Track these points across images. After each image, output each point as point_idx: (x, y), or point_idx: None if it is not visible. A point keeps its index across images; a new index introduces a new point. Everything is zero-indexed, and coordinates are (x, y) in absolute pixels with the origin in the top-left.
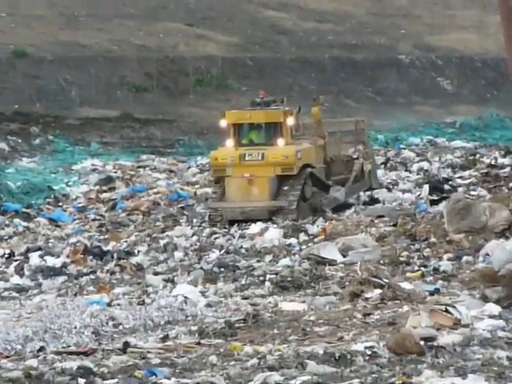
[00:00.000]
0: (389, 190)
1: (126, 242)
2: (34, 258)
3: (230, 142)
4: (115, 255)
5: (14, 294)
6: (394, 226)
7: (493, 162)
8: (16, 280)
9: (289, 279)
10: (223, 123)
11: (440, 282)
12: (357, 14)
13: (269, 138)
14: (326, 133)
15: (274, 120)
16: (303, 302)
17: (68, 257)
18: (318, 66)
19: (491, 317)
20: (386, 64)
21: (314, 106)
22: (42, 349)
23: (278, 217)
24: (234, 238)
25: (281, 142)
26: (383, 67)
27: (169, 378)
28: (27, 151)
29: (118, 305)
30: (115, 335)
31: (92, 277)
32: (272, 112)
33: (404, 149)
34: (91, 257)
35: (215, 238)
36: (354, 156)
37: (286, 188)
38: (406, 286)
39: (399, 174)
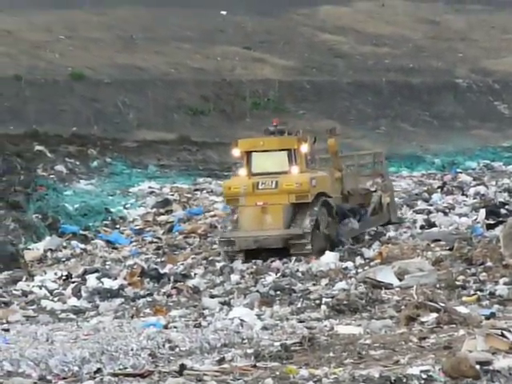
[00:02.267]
0: (445, 214)
1: (182, 264)
2: (91, 280)
3: (243, 171)
4: (172, 278)
5: (72, 316)
6: (451, 250)
7: None
8: (73, 302)
9: (345, 303)
10: (236, 152)
11: (496, 306)
12: (414, 38)
13: (282, 165)
14: (343, 165)
15: (288, 147)
16: (359, 325)
17: (125, 279)
18: (374, 90)
19: None
20: (443, 88)
21: (330, 137)
22: (98, 370)
23: (293, 248)
24: (290, 261)
25: (295, 169)
26: (440, 91)
27: None
28: (85, 173)
29: (175, 327)
30: (172, 357)
31: (149, 299)
32: (285, 139)
33: (461, 173)
34: (148, 279)
35: (271, 261)
36: (372, 189)
37: (300, 216)
38: (461, 309)
39: (456, 198)
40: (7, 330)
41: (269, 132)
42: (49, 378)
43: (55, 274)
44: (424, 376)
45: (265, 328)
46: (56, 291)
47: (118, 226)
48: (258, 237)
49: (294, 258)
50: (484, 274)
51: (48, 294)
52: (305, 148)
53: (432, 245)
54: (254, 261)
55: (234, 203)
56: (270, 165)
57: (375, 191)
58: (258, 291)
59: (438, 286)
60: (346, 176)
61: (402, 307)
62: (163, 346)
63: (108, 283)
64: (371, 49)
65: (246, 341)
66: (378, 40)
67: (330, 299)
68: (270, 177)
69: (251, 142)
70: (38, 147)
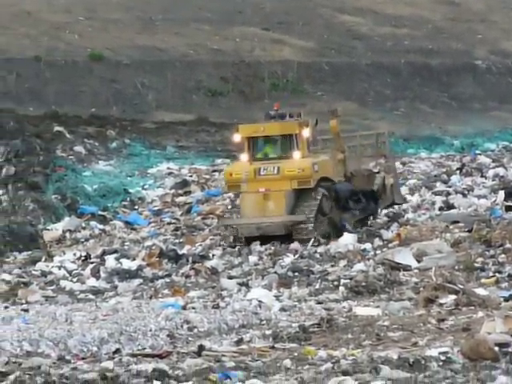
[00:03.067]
0: (464, 195)
1: (200, 245)
2: (110, 261)
3: (244, 157)
4: (190, 259)
5: (90, 296)
6: (469, 231)
7: None
8: (92, 282)
9: (363, 284)
10: (237, 137)
11: None
12: (433, 19)
13: (284, 150)
14: (345, 146)
15: (289, 132)
16: (377, 307)
17: (143, 260)
18: (393, 71)
19: None
20: (462, 69)
21: (331, 118)
22: (117, 351)
23: (295, 234)
24: (309, 242)
25: (297, 154)
26: (459, 72)
27: (243, 382)
28: (104, 154)
29: (193, 308)
30: (190, 338)
31: (167, 280)
32: (287, 124)
33: (479, 154)
34: (166, 260)
35: (290, 243)
36: (375, 170)
37: (303, 202)
38: (480, 291)
39: (475, 180)
40: (26, 311)
41: (269, 116)
42: (68, 358)
43: (74, 254)
44: (442, 358)
45: (283, 309)
46: (75, 272)
47: (136, 207)
48: (260, 224)
49: (312, 239)
50: (503, 255)
51: (67, 275)
52: (306, 132)
53: (451, 226)
54: (272, 242)
55: (235, 189)
56: (272, 150)
57: (378, 172)
58: (276, 272)
59: (456, 267)
60: (349, 157)
61: (421, 289)
62: (181, 326)
63: (127, 264)
64: (390, 30)
65: (264, 322)
66: (397, 21)
67: (348, 280)
68: (271, 162)
69: (252, 127)
70: (57, 128)
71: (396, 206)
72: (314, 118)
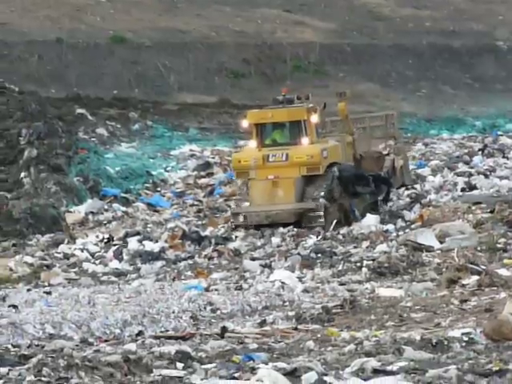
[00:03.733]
0: (486, 176)
1: (223, 227)
2: (133, 243)
3: (252, 143)
4: (213, 240)
5: (113, 279)
6: (492, 212)
7: None
8: (115, 264)
9: (386, 265)
10: (245, 124)
11: None
12: (454, 1)
13: (293, 137)
14: (354, 129)
15: (297, 118)
16: (400, 288)
17: (166, 242)
18: (415, 53)
19: None
20: (484, 50)
21: (340, 101)
22: (140, 333)
23: (305, 221)
24: (331, 224)
25: (305, 140)
26: (480, 54)
27: (266, 363)
28: (126, 136)
29: (216, 290)
30: (213, 320)
31: (190, 262)
32: (295, 110)
33: (501, 135)
34: (189, 242)
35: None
36: (385, 152)
37: (312, 189)
38: (503, 272)
39: (497, 161)
40: (49, 293)
41: (277, 102)
42: (91, 340)
43: (97, 236)
44: (465, 338)
45: (306, 291)
46: (97, 254)
47: (159, 189)
48: (269, 211)
49: (335, 220)
50: None
51: (89, 257)
52: (315, 118)
53: (473, 207)
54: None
55: (243, 176)
56: (280, 136)
57: (388, 154)
58: (299, 254)
59: (478, 248)
60: (358, 139)
61: (443, 270)
62: (204, 308)
63: (149, 246)
64: (412, 11)
65: (287, 303)
66: (419, 3)
67: (370, 262)
68: (280, 149)
69: (260, 113)
70: (79, 110)
71: (418, 187)
72: (322, 102)
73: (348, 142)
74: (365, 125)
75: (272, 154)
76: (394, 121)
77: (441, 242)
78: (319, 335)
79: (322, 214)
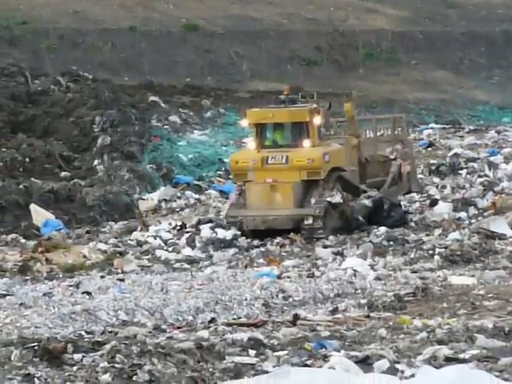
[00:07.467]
0: None
1: None
2: (205, 230)
3: (252, 144)
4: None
5: (186, 266)
6: None
7: None
8: (187, 252)
9: (458, 253)
10: (245, 123)
11: None
12: None
13: (294, 139)
14: (360, 131)
15: (299, 119)
16: (472, 276)
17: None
18: (488, 40)
19: None
20: None
21: (346, 101)
22: (212, 320)
23: (303, 229)
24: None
25: (307, 143)
26: None
27: (338, 351)
28: (198, 124)
29: (288, 277)
30: (285, 307)
31: (262, 249)
32: (297, 110)
33: None
34: None
35: None
36: (392, 156)
37: (312, 194)
38: None
39: None
40: (122, 280)
41: (279, 101)
42: (163, 327)
43: (169, 224)
44: None
45: (378, 278)
46: (170, 241)
47: (231, 177)
48: (266, 217)
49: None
50: None
51: (162, 244)
52: (317, 120)
53: None
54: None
55: (241, 178)
56: (281, 138)
57: (395, 159)
58: (371, 241)
59: None
60: (364, 142)
61: None
62: (277, 295)
63: (222, 233)
64: None
65: (359, 291)
66: None
67: (443, 249)
68: (280, 151)
69: (260, 112)
70: (152, 98)
71: (491, 175)
72: (327, 102)
73: (353, 144)
74: (371, 127)
75: (272, 155)
76: (402, 124)
77: None
78: (391, 323)
79: (321, 224)
